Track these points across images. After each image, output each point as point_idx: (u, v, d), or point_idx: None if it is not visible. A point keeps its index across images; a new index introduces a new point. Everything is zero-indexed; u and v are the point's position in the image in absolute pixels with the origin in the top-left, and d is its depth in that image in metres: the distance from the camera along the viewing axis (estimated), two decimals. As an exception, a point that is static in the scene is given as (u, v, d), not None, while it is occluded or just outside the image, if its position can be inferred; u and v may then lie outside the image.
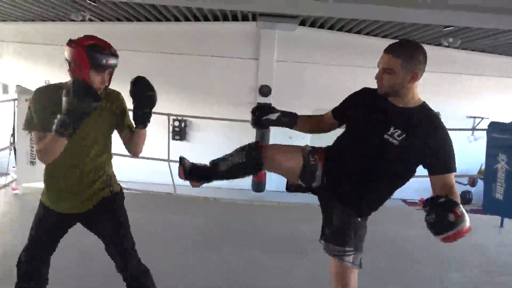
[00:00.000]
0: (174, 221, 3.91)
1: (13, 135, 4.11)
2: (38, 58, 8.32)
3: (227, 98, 8.52)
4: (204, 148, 8.49)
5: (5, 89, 8.28)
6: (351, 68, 8.40)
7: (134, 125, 1.83)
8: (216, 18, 8.11)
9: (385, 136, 1.66)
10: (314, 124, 2.03)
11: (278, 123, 1.89)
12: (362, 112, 1.76)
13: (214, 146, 8.62)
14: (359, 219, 1.77)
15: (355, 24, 7.68)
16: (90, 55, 1.65)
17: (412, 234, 3.94)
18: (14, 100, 3.87)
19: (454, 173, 1.69)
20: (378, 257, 3.17)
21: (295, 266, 3.07)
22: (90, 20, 7.76)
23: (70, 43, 1.68)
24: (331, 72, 8.48)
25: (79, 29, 8.98)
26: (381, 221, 4.33)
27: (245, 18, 8.12)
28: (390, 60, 1.64)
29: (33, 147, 3.87)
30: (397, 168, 1.70)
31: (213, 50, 8.36)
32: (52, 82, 4.87)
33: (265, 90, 8.49)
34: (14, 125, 3.95)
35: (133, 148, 1.91)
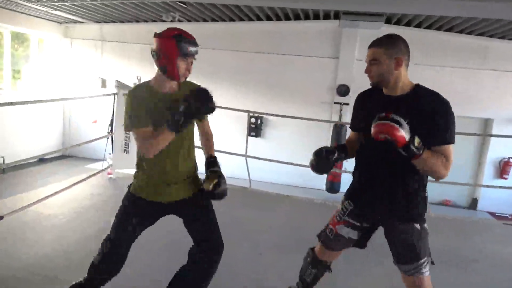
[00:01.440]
0: (247, 215, 4.05)
1: (111, 125, 4.58)
2: (132, 55, 9.09)
3: (304, 96, 8.51)
4: (278, 146, 8.62)
5: (104, 84, 9.16)
6: (438, 68, 7.88)
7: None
8: (297, 17, 8.14)
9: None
10: (351, 147, 2.04)
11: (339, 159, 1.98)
12: (365, 116, 1.80)
13: (289, 144, 8.71)
14: (415, 225, 1.80)
15: (445, 22, 7.17)
16: (178, 43, 1.81)
17: (496, 250, 3.62)
18: (114, 94, 4.32)
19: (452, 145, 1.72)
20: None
21: (369, 269, 3.01)
22: (179, 20, 8.28)
23: (159, 35, 1.85)
24: (415, 72, 7.99)
25: (159, 28, 9.63)
26: (466, 234, 4.05)
27: (326, 16, 8.03)
28: (373, 52, 1.78)
29: (127, 137, 4.29)
30: None
31: (293, 49, 8.41)
32: (143, 78, 5.29)
33: (342, 90, 8.32)
34: (112, 116, 4.40)
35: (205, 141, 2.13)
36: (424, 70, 7.94)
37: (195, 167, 2.07)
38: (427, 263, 1.81)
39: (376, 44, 1.79)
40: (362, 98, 1.96)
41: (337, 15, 7.85)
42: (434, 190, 8.46)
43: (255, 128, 8.77)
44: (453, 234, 3.96)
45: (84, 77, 9.28)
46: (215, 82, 8.61)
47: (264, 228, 3.70)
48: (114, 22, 8.99)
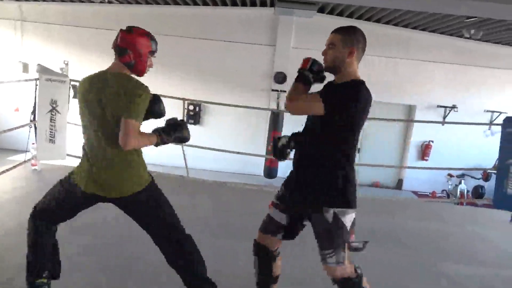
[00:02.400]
0: (182, 203, 4.00)
1: (33, 112, 4.23)
2: (57, 38, 8.44)
3: (242, 84, 8.53)
4: (217, 133, 8.58)
5: (25, 68, 8.43)
6: (367, 57, 8.30)
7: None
8: (234, 3, 8.08)
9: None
10: None
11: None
12: None
13: (228, 131, 8.71)
14: (325, 214, 1.78)
15: (375, 13, 7.56)
16: (151, 41, 1.92)
17: (421, 226, 3.97)
18: (36, 79, 3.97)
19: None
20: (388, 249, 3.21)
21: (298, 254, 3.13)
22: (110, 2, 7.82)
23: (130, 31, 1.87)
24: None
25: (98, 11, 9.10)
26: (393, 213, 4.37)
27: (263, 3, 8.07)
28: (332, 37, 1.87)
29: (52, 125, 4.00)
30: (325, 139, 1.82)
31: (230, 35, 8.36)
32: (71, 62, 4.91)
33: (280, 77, 8.47)
34: (35, 103, 4.06)
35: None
36: (355, 59, 8.35)
37: None
38: (333, 254, 1.79)
39: (337, 30, 1.88)
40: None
41: (273, 3, 7.93)
42: (365, 173, 8.96)
43: (194, 115, 8.64)
44: (381, 214, 4.26)
45: (2, 60, 8.45)
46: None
47: (199, 215, 3.68)
48: (36, 0, 8.26)
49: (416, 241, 3.59)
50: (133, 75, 1.91)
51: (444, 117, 8.47)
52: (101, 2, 7.63)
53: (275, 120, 8.15)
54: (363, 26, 8.28)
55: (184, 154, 5.07)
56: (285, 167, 8.59)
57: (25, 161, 4.31)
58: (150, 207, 1.95)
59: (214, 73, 8.49)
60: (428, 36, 8.21)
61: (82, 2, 8.15)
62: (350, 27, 1.89)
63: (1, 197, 3.60)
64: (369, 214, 4.19)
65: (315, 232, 1.87)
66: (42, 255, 1.99)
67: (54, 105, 3.95)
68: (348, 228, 1.80)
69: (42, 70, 3.99)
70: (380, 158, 8.05)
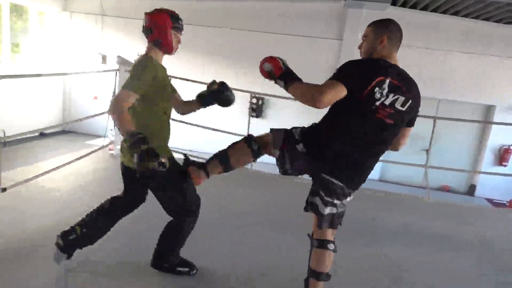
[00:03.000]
0: (246, 194, 4.08)
1: (112, 101, 4.54)
2: (133, 31, 8.95)
3: (306, 78, 8.34)
4: (279, 126, 8.57)
5: (104, 60, 9.06)
6: (443, 52, 7.81)
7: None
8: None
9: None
10: None
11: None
12: None
13: (289, 125, 8.67)
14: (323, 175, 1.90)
15: (452, 6, 7.06)
16: (171, 17, 2.06)
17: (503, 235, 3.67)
18: (116, 70, 4.26)
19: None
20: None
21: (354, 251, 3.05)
22: (181, -4, 8.13)
23: (151, 12, 2.07)
24: (421, 56, 7.94)
25: (171, 5, 9.43)
26: (468, 220, 4.10)
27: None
28: (366, 30, 2.02)
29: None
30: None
31: (295, 29, 8.29)
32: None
33: (345, 72, 8.27)
34: (114, 92, 4.35)
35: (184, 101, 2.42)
36: (430, 54, 7.90)
37: None
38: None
39: (370, 24, 2.00)
40: None
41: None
42: (433, 175, 8.50)
43: (257, 108, 8.74)
44: (451, 220, 4.01)
45: (84, 52, 9.17)
46: (214, 61, 8.53)
47: (261, 207, 3.73)
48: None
49: (483, 249, 3.33)
50: (159, 55, 2.11)
51: (528, 120, 7.72)
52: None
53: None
54: (438, 19, 7.84)
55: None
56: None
57: (103, 146, 4.65)
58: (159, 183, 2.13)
59: (279, 67, 8.48)
60: (512, 30, 7.51)
61: (157, -3, 8.56)
62: (383, 19, 2.00)
63: (84, 177, 3.93)
64: (443, 219, 3.97)
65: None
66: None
67: (131, 95, 4.22)
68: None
69: (122, 61, 4.27)
70: (452, 161, 7.56)
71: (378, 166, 8.53)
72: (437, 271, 2.86)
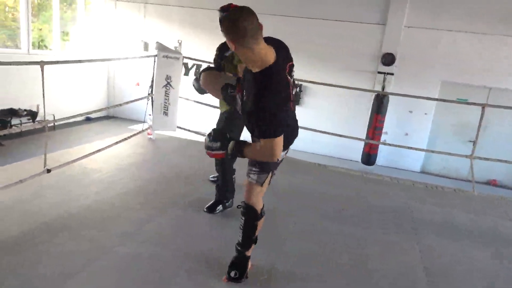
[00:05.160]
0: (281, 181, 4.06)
1: (151, 86, 4.67)
2: (173, 18, 9.11)
3: (346, 64, 8.21)
4: (317, 115, 8.45)
5: (146, 47, 9.31)
6: (495, 37, 7.29)
7: None
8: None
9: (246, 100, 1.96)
10: None
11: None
12: None
13: (328, 113, 8.53)
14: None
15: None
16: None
17: None
18: (154, 56, 4.37)
19: (267, 140, 1.83)
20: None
21: (402, 246, 2.96)
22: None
23: None
24: (471, 41, 7.47)
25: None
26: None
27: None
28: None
29: (166, 99, 4.38)
30: None
31: (336, 14, 8.06)
32: (184, 41, 5.32)
33: (388, 59, 7.95)
34: (153, 78, 4.47)
35: None
36: (482, 40, 7.43)
37: None
38: (257, 174, 2.05)
39: None
40: None
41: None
42: (479, 168, 8.04)
43: (295, 96, 8.63)
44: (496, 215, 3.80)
45: (128, 39, 9.46)
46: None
47: (296, 195, 3.71)
48: (157, -16, 8.99)
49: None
50: None
51: None
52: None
53: (379, 103, 7.73)
54: (490, 2, 7.23)
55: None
56: (386, 154, 8.17)
57: (142, 130, 4.81)
58: None
59: (318, 53, 8.29)
60: None
61: (197, -16, 8.62)
62: (220, 17, 1.98)
63: (124, 160, 4.10)
64: (487, 214, 3.78)
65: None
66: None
67: (168, 80, 4.32)
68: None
69: (160, 47, 4.36)
70: (500, 153, 7.10)
71: (419, 157, 8.25)
72: (474, 267, 2.73)
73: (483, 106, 4.27)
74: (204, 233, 2.78)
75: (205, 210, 3.04)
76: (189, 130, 4.96)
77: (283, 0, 8.32)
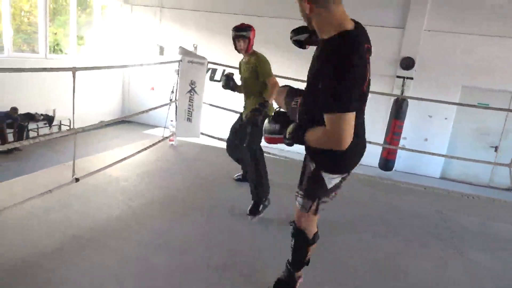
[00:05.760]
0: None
1: (173, 92, 4.61)
2: (189, 23, 9.08)
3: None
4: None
5: (161, 51, 9.29)
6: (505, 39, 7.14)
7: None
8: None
9: (310, 77, 1.66)
10: None
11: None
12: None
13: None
14: (319, 171, 1.73)
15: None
16: (232, 30, 3.12)
17: None
18: (179, 61, 4.29)
19: (333, 115, 1.47)
20: None
21: (421, 253, 2.84)
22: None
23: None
24: (491, 45, 7.32)
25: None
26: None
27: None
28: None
29: (190, 105, 4.31)
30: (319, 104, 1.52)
31: (354, 16, 7.91)
32: (200, 45, 5.33)
33: (407, 63, 7.82)
34: (177, 84, 4.39)
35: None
36: (504, 43, 7.28)
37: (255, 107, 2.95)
38: (302, 198, 1.82)
39: None
40: None
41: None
42: (500, 175, 7.82)
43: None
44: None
45: (144, 43, 9.46)
46: (272, 52, 8.39)
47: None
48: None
49: None
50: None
51: None
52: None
53: (398, 108, 7.60)
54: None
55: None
56: (404, 160, 8.01)
57: (165, 137, 4.73)
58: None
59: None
60: None
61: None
62: None
63: (147, 168, 4.02)
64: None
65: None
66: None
67: (193, 86, 4.24)
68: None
69: (185, 52, 4.29)
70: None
71: (439, 163, 8.09)
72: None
73: (508, 111, 4.12)
74: (231, 242, 2.69)
75: (248, 214, 3.01)
76: (212, 136, 4.88)
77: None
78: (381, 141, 7.38)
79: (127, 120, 9.96)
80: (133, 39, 9.57)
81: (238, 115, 3.50)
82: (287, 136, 1.68)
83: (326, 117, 1.49)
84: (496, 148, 7.95)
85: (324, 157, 1.71)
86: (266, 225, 2.96)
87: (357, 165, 1.82)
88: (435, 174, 8.23)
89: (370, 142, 5.48)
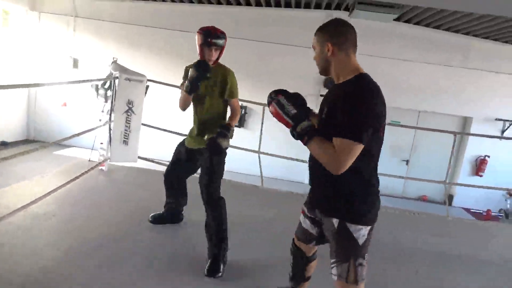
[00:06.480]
0: (258, 213, 3.83)
1: (104, 111, 4.12)
2: (108, 35, 8.41)
3: (289, 88, 8.23)
4: (262, 137, 8.32)
5: (75, 64, 8.44)
6: (441, 67, 7.99)
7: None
8: (287, 5, 7.89)
9: (322, 116, 1.67)
10: None
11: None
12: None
13: (272, 135, 8.47)
14: (334, 220, 1.64)
15: (450, 20, 7.16)
16: (202, 35, 2.52)
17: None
18: (114, 78, 3.83)
19: (344, 140, 1.50)
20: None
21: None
22: (163, 0, 7.75)
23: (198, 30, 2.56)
24: (404, 68, 8.07)
25: (148, 9, 8.97)
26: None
27: (317, 6, 7.85)
28: (312, 40, 1.73)
29: (127, 126, 3.87)
30: None
31: (279, 37, 8.14)
32: (120, 59, 4.91)
33: (330, 83, 8.23)
34: (112, 103, 3.93)
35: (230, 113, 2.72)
36: (412, 66, 8.06)
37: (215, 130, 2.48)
38: (335, 266, 1.64)
39: (315, 32, 1.73)
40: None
41: (328, 5, 7.72)
42: (412, 186, 8.56)
43: (240, 118, 8.47)
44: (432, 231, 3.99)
45: (54, 55, 8.48)
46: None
47: (269, 226, 3.49)
48: (90, -3, 8.26)
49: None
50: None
51: (503, 131, 8.06)
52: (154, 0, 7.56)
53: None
54: (419, 32, 7.82)
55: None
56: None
57: (99, 162, 4.18)
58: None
59: (262, 76, 8.22)
60: (490, 44, 7.84)
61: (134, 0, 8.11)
62: (325, 23, 1.70)
63: (78, 200, 3.49)
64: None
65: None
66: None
67: (130, 106, 3.83)
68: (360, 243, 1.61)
69: (119, 68, 3.87)
70: (430, 172, 7.70)
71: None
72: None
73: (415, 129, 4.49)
74: None
75: (206, 275, 2.44)
76: (151, 161, 4.47)
77: (230, 23, 8.15)
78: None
79: (33, 139, 8.79)
80: (41, 49, 8.52)
81: (181, 138, 3.04)
82: (298, 129, 1.62)
83: (335, 140, 1.51)
84: (407, 162, 8.74)
85: (348, 205, 1.63)
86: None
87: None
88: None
89: (300, 160, 5.64)
